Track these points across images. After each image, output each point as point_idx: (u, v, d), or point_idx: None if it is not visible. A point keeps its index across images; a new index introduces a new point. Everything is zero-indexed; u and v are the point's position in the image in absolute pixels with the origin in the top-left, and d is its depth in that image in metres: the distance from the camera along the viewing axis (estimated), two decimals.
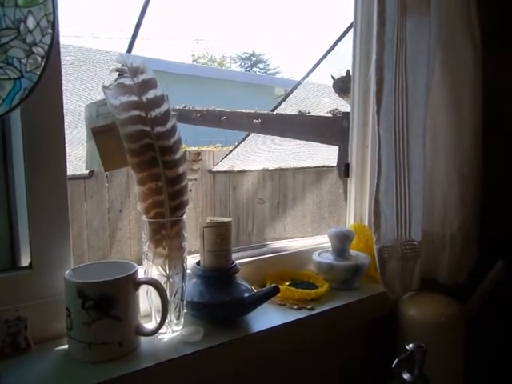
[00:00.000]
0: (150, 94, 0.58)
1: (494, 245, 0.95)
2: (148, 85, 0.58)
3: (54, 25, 0.44)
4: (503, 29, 1.03)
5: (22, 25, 0.42)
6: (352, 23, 0.99)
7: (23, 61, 0.44)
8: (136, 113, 0.57)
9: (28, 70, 0.44)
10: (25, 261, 0.61)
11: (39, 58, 0.44)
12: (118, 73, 0.59)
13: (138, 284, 0.58)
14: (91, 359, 0.55)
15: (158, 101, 0.58)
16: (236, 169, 1.61)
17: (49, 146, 0.59)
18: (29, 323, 0.56)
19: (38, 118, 0.57)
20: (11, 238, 0.62)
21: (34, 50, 0.44)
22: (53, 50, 0.45)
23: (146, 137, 0.57)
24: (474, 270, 0.93)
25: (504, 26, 1.03)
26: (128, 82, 0.57)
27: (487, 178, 0.95)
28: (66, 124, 0.61)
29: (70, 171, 0.63)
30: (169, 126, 0.59)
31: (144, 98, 0.57)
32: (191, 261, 0.69)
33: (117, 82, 0.57)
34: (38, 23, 0.43)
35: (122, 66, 0.58)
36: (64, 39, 0.59)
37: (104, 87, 0.58)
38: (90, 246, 1.20)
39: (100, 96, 0.62)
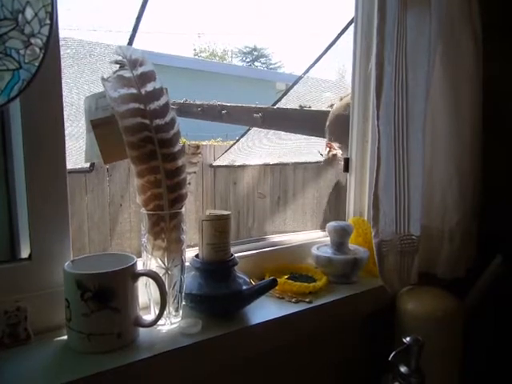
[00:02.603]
0: (149, 87, 0.58)
1: (492, 240, 0.95)
2: (147, 77, 0.58)
3: (52, 16, 0.44)
4: (505, 24, 1.02)
5: (20, 15, 0.42)
6: (353, 18, 0.98)
7: (21, 52, 0.44)
8: (135, 105, 0.57)
9: (26, 61, 0.44)
10: (24, 252, 0.62)
11: (37, 50, 0.44)
12: (118, 65, 0.59)
13: (137, 276, 0.59)
14: (90, 350, 0.55)
15: (157, 93, 0.58)
16: (237, 163, 1.61)
17: (48, 138, 0.59)
18: (28, 314, 0.57)
19: (38, 110, 0.57)
20: (11, 230, 0.63)
21: (33, 41, 0.44)
22: (51, 42, 0.45)
23: (145, 129, 0.57)
24: (472, 265, 0.94)
25: (506, 22, 1.02)
26: (127, 74, 0.57)
27: (487, 173, 0.95)
28: (66, 117, 0.61)
29: (70, 165, 0.63)
30: (168, 118, 0.59)
31: (143, 91, 0.57)
32: (190, 254, 0.69)
33: (116, 74, 0.57)
34: (36, 14, 0.43)
35: (122, 58, 0.58)
36: (64, 32, 0.59)
37: (103, 79, 0.58)
38: (91, 240, 1.20)
39: (100, 89, 0.62)
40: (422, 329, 0.79)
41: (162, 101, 0.59)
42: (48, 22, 0.43)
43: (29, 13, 0.43)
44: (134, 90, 0.57)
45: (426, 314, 0.81)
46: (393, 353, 0.67)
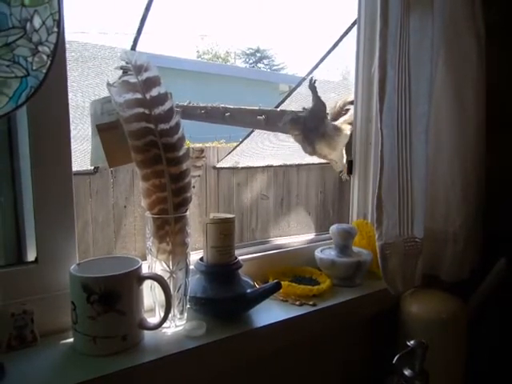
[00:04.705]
0: (154, 92, 0.58)
1: (496, 242, 0.95)
2: (152, 82, 0.59)
3: (59, 23, 0.44)
4: (508, 24, 1.02)
5: (28, 24, 0.43)
6: (356, 20, 0.98)
7: (29, 59, 0.44)
8: (140, 110, 0.57)
9: (34, 68, 0.45)
10: (31, 255, 0.62)
11: (45, 57, 0.45)
12: (122, 70, 0.60)
13: (142, 279, 0.59)
14: (96, 352, 0.56)
15: (162, 98, 0.59)
16: (240, 165, 1.61)
17: (54, 142, 0.60)
18: (35, 317, 0.57)
19: (44, 114, 0.58)
20: (17, 233, 0.63)
21: (40, 48, 0.44)
22: (58, 49, 0.46)
23: (150, 134, 0.58)
24: (476, 267, 0.94)
25: (509, 21, 1.02)
26: (132, 79, 0.58)
27: (490, 174, 0.95)
28: (71, 120, 0.62)
29: (75, 167, 0.64)
30: (172, 123, 0.60)
31: (148, 96, 0.58)
32: (195, 257, 0.70)
33: (121, 79, 0.58)
34: (43, 22, 0.44)
35: (127, 63, 0.58)
36: (68, 35, 0.60)
37: (109, 85, 0.58)
38: (95, 242, 1.21)
39: (105, 92, 0.62)
40: (426, 331, 0.79)
41: (167, 106, 0.59)
42: (55, 29, 0.44)
43: (37, 21, 0.43)
44: (139, 95, 0.58)
45: (430, 316, 0.81)
46: (397, 356, 0.67)
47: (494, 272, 0.90)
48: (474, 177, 0.92)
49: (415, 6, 0.80)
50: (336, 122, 1.09)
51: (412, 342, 0.68)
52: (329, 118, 1.16)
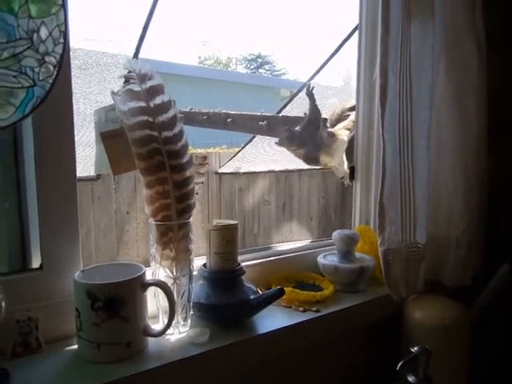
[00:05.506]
0: (158, 100, 0.59)
1: (499, 248, 0.95)
2: (155, 90, 0.59)
3: (65, 34, 0.45)
4: (508, 24, 1.02)
5: (35, 35, 0.44)
6: (357, 25, 0.99)
7: (36, 70, 0.45)
8: (144, 118, 0.58)
9: (40, 78, 0.45)
10: (35, 262, 0.63)
11: (51, 67, 0.45)
12: (125, 79, 0.61)
13: (146, 286, 0.59)
14: (100, 359, 0.56)
15: (166, 106, 0.60)
16: (242, 170, 1.62)
17: (59, 151, 0.60)
18: (39, 323, 0.57)
19: (49, 123, 0.59)
20: (22, 240, 0.64)
21: (47, 59, 0.45)
22: (64, 59, 0.46)
23: (154, 141, 0.58)
24: (479, 273, 0.94)
25: (509, 22, 1.02)
26: (136, 88, 0.58)
27: (493, 180, 0.95)
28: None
29: (77, 173, 0.64)
30: (176, 130, 0.60)
31: (152, 104, 0.58)
32: (198, 263, 0.70)
33: (125, 88, 0.58)
34: (50, 33, 0.44)
35: (130, 72, 0.59)
36: (72, 43, 0.60)
37: (113, 93, 0.59)
38: (98, 248, 1.21)
39: (107, 99, 0.63)
40: (429, 337, 0.79)
41: (171, 113, 0.60)
42: (62, 40, 0.45)
43: (43, 32, 0.44)
44: (142, 103, 0.58)
45: (432, 322, 0.81)
46: (400, 362, 0.67)
47: (496, 277, 0.90)
48: (476, 182, 0.92)
49: (416, 13, 0.80)
50: (333, 129, 1.09)
51: (415, 349, 0.68)
52: (328, 124, 1.16)
